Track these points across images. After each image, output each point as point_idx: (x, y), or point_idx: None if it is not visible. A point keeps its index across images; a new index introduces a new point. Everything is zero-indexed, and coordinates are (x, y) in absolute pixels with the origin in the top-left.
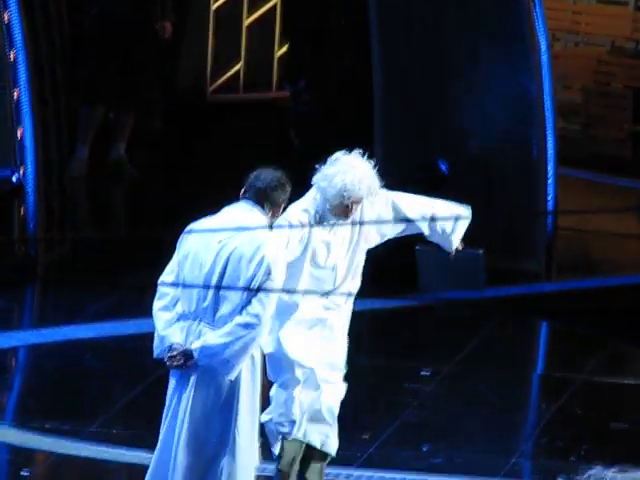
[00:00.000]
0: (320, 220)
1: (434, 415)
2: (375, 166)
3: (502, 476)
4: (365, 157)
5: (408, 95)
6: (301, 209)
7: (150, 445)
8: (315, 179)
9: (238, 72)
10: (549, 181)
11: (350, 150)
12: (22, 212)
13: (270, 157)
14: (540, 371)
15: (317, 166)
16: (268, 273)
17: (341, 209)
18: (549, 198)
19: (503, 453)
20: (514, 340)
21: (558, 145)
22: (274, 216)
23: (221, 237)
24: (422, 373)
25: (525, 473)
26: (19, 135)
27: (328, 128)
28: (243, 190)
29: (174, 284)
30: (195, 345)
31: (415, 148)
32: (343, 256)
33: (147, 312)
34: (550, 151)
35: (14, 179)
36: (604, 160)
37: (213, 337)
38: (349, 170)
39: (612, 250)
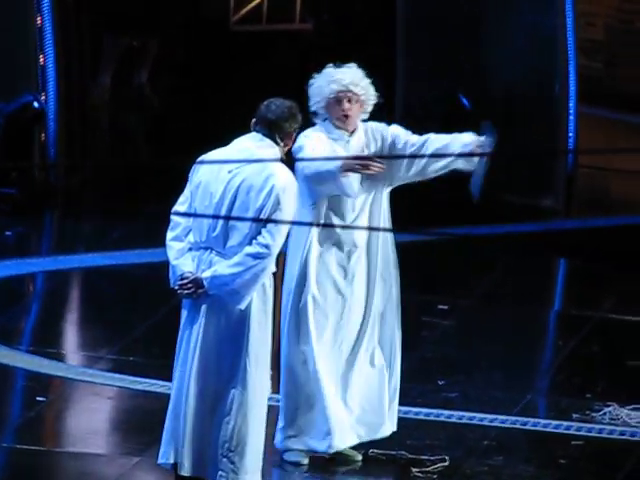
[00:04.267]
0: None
1: (450, 350)
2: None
3: (517, 412)
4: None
5: (432, 30)
6: (313, 134)
7: (167, 373)
8: (311, 104)
9: (261, 3)
10: (570, 118)
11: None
12: (43, 138)
13: (292, 89)
14: (557, 308)
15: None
16: (277, 203)
17: (339, 108)
18: (570, 135)
19: (519, 389)
20: (532, 277)
21: (580, 83)
22: (286, 146)
23: (231, 167)
24: (439, 307)
25: (540, 410)
26: (41, 61)
27: (350, 60)
28: (254, 121)
29: (185, 214)
30: (205, 274)
31: (437, 83)
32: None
33: (164, 241)
34: (572, 88)
35: (36, 105)
36: (626, 98)
37: (223, 267)
38: (326, 71)
39: (632, 188)
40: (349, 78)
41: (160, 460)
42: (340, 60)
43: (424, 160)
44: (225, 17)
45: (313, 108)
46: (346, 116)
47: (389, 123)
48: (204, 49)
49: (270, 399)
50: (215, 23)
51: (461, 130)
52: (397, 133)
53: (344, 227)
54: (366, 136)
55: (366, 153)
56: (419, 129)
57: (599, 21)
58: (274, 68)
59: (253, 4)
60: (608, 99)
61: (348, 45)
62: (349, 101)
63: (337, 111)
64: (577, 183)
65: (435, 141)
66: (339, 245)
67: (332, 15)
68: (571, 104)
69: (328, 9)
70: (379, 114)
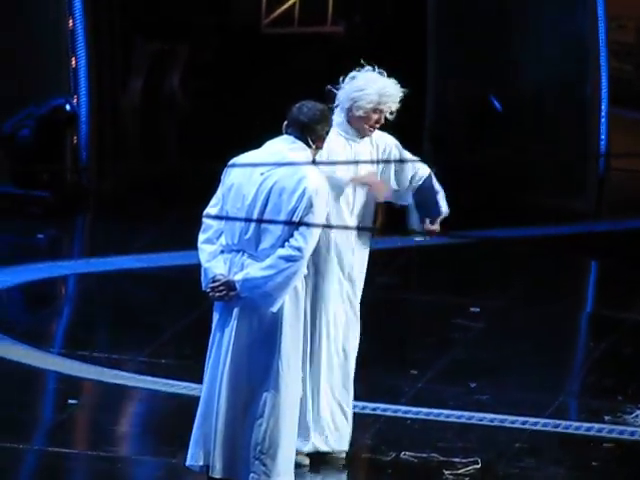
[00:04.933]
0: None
1: (482, 352)
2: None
3: (549, 415)
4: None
5: (463, 30)
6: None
7: (197, 376)
8: (343, 96)
9: (293, 5)
10: (602, 120)
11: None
12: (75, 141)
13: (323, 92)
14: (589, 310)
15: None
16: (310, 206)
17: (373, 120)
18: (602, 138)
19: (550, 392)
20: (563, 278)
21: (611, 85)
22: (317, 148)
23: (263, 169)
24: (471, 309)
25: (572, 412)
26: (73, 64)
27: (382, 63)
28: (286, 123)
29: (217, 217)
30: (237, 277)
31: (469, 83)
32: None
33: (196, 243)
34: (604, 90)
35: (68, 108)
36: None
37: (255, 269)
38: (376, 78)
39: None
40: (395, 95)
41: (189, 462)
42: (372, 63)
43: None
44: (256, 20)
45: (345, 105)
46: (374, 128)
47: (421, 125)
48: (235, 52)
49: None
50: (246, 26)
51: (492, 131)
52: (405, 157)
53: (366, 229)
54: (373, 141)
55: (370, 158)
56: (450, 130)
57: (630, 24)
58: (305, 71)
59: (285, 7)
60: (639, 101)
61: (379, 47)
62: (381, 113)
63: (369, 121)
64: (608, 185)
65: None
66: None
67: (363, 18)
68: (603, 106)
69: (359, 12)
70: (410, 115)
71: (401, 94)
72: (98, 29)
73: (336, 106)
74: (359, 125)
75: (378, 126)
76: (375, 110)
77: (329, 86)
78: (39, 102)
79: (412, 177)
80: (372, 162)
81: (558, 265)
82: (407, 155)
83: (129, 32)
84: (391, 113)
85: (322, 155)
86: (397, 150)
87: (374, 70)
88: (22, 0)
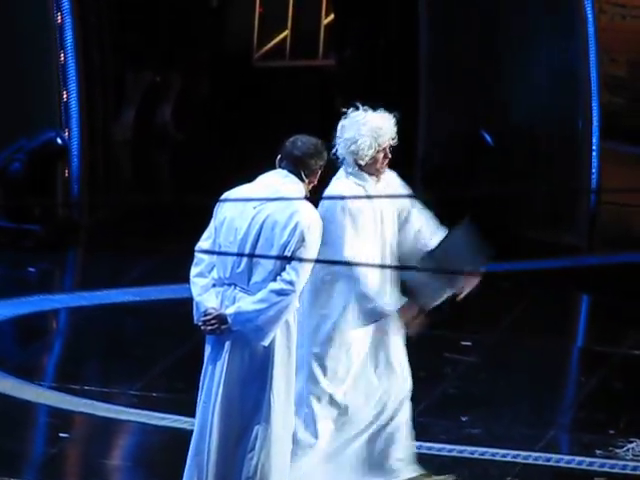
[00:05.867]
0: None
1: (474, 386)
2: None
3: (540, 448)
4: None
5: (454, 64)
6: (345, 184)
7: (190, 410)
8: (341, 150)
9: (285, 39)
10: (593, 154)
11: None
12: (66, 175)
13: (315, 125)
14: (580, 344)
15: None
16: (302, 240)
17: (382, 162)
18: (593, 171)
19: (542, 425)
20: (555, 313)
21: (603, 118)
22: (310, 183)
23: (256, 203)
24: (463, 343)
25: (563, 446)
26: (65, 97)
27: (373, 97)
28: (279, 157)
29: (209, 251)
30: (229, 311)
31: (460, 118)
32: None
33: (187, 277)
34: (595, 124)
35: (59, 141)
36: None
37: (247, 303)
38: (365, 121)
39: None
40: (389, 128)
41: None
42: (363, 95)
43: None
44: (248, 53)
45: (349, 159)
46: (384, 165)
47: (412, 160)
48: (227, 85)
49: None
50: (238, 59)
51: (483, 166)
52: (416, 216)
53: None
54: (388, 183)
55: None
56: (442, 164)
57: (622, 57)
58: (297, 104)
59: (276, 40)
60: (630, 135)
61: (371, 80)
62: (385, 149)
63: (379, 163)
64: (599, 219)
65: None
66: None
67: (354, 51)
68: (594, 140)
69: (351, 45)
70: (402, 150)
71: (394, 122)
72: (89, 62)
73: (341, 161)
74: (370, 169)
75: (388, 160)
76: (378, 151)
77: (323, 144)
78: (30, 136)
79: (418, 231)
80: (387, 196)
81: (549, 299)
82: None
83: (120, 64)
84: (392, 139)
85: (351, 211)
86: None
87: (358, 109)
88: (13, 32)
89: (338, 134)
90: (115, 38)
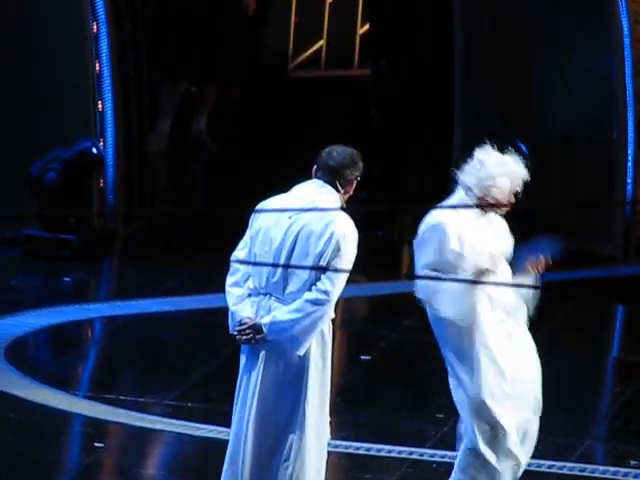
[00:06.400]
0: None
1: None
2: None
3: (575, 459)
4: (495, 150)
5: (489, 75)
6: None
7: (225, 420)
8: (471, 178)
9: (320, 49)
10: (629, 165)
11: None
12: (101, 184)
13: (350, 135)
14: (615, 354)
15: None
16: (337, 250)
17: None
18: (629, 182)
19: (577, 435)
20: (590, 323)
21: (638, 129)
22: (346, 193)
23: (291, 213)
24: None
25: (598, 456)
26: (100, 108)
27: (409, 107)
28: (315, 168)
29: (244, 261)
30: (264, 320)
31: (495, 128)
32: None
33: (223, 287)
34: (630, 134)
35: (94, 151)
36: None
37: (282, 313)
38: (504, 162)
39: None
40: (523, 175)
41: None
42: (398, 107)
43: None
44: (283, 63)
45: (478, 193)
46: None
47: (447, 167)
48: (263, 95)
49: (330, 445)
50: (273, 69)
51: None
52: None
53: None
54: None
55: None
56: None
57: None
58: (333, 114)
59: (311, 50)
60: None
61: (406, 90)
62: (512, 194)
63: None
64: (635, 229)
65: None
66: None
67: (390, 61)
68: (629, 150)
69: (386, 55)
70: (437, 158)
71: (519, 174)
72: (125, 71)
73: (465, 188)
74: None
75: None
76: (487, 196)
77: (454, 170)
78: (66, 145)
79: None
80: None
81: (585, 309)
82: None
83: (156, 74)
84: (517, 186)
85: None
86: None
87: (494, 149)
88: (49, 41)
89: (475, 164)
90: (151, 48)
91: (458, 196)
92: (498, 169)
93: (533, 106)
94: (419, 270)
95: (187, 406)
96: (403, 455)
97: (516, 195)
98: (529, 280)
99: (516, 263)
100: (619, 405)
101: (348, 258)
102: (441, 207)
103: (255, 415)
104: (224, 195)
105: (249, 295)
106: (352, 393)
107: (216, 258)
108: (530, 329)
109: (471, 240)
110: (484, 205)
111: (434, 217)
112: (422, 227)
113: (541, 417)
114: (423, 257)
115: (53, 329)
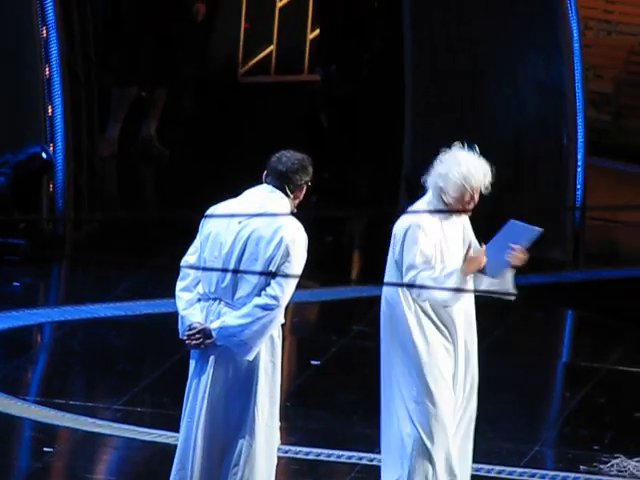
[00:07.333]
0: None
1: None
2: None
3: (524, 464)
4: (466, 148)
5: (439, 80)
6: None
7: (174, 424)
8: (430, 181)
9: (270, 54)
10: (578, 170)
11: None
12: (51, 189)
13: (300, 140)
14: (565, 360)
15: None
16: (287, 255)
17: (469, 201)
18: (578, 187)
19: (526, 441)
20: (539, 328)
21: (588, 134)
22: (296, 199)
23: (241, 218)
24: None
25: (548, 462)
26: (50, 112)
27: (358, 112)
28: (265, 173)
29: (194, 266)
30: (214, 325)
31: (445, 134)
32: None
33: (173, 291)
34: (580, 140)
35: (44, 156)
36: (634, 150)
37: (231, 318)
38: (461, 161)
39: (639, 240)
40: (481, 175)
41: None
42: (348, 111)
43: None
44: (234, 68)
45: (435, 192)
46: (467, 209)
47: (397, 172)
48: (212, 100)
49: (280, 450)
50: (224, 74)
51: None
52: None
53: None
54: (464, 225)
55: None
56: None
57: (607, 73)
58: (282, 119)
59: (261, 55)
60: (615, 151)
61: (356, 95)
62: (471, 195)
63: (462, 204)
64: (585, 235)
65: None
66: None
67: (339, 66)
68: (579, 156)
69: (336, 60)
70: (387, 163)
71: (488, 171)
72: (75, 76)
73: (437, 189)
74: (451, 207)
75: (471, 206)
76: (463, 194)
77: (308, 159)
78: (15, 150)
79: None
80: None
81: (534, 315)
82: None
83: (106, 79)
84: (486, 188)
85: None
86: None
87: (463, 147)
88: None
89: (435, 162)
90: (101, 52)
91: (427, 199)
92: (451, 169)
93: (484, 111)
94: (412, 269)
95: (137, 411)
96: (353, 460)
97: (481, 194)
98: (509, 279)
99: (492, 255)
100: (569, 410)
101: (298, 263)
102: (407, 212)
103: (204, 420)
104: (174, 200)
105: (199, 300)
106: (302, 398)
107: (166, 263)
108: (479, 336)
109: (437, 241)
110: (450, 211)
111: (409, 219)
112: (399, 230)
113: (490, 423)
114: (412, 256)
115: (2, 334)
